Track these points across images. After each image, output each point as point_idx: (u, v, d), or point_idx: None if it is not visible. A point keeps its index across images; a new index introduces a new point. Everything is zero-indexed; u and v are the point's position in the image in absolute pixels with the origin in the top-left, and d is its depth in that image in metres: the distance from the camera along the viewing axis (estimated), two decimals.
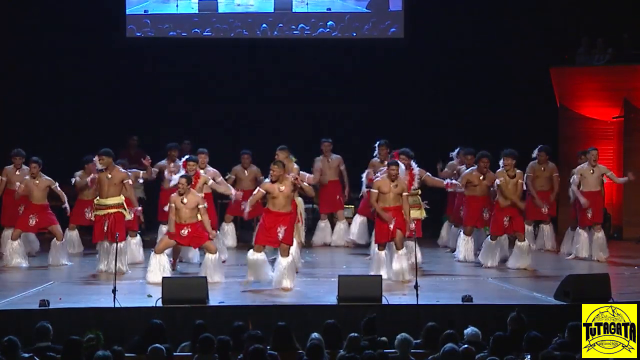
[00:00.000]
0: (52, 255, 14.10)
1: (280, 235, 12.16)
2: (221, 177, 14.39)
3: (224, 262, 13.54)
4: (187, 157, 13.78)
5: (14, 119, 18.06)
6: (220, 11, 18.49)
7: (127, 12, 18.33)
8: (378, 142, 14.92)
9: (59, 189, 14.24)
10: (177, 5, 18.42)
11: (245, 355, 8.40)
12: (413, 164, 13.60)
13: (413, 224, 12.91)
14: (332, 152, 15.97)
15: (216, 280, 12.40)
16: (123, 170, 13.54)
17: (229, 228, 15.80)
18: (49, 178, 14.19)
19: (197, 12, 18.45)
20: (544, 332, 8.86)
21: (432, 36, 18.36)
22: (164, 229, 14.62)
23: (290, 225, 12.29)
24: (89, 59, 18.09)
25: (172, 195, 12.83)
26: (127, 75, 18.28)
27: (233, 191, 14.02)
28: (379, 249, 12.93)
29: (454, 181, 14.11)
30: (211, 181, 13.88)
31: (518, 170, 13.91)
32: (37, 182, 14.09)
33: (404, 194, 12.79)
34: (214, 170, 14.40)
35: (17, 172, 14.65)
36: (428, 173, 13.92)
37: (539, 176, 15.07)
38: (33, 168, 14.07)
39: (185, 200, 12.58)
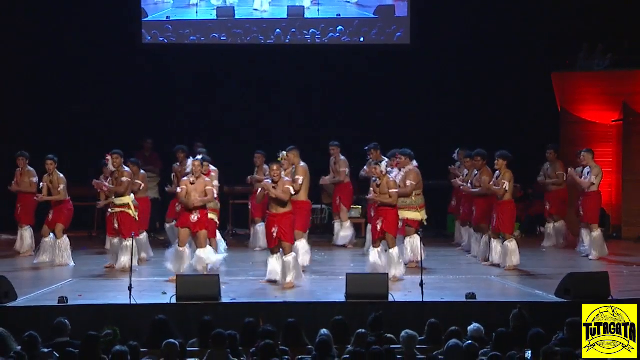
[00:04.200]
0: (41, 252, 14.14)
1: (274, 234, 12.14)
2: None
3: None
4: (202, 157, 13.59)
5: (35, 121, 18.15)
6: (237, 17, 18.64)
7: (150, 18, 18.56)
8: (367, 146, 14.91)
9: (62, 189, 14.18)
10: (196, 12, 18.60)
11: (256, 350, 8.45)
12: (414, 163, 13.56)
13: (400, 223, 13.05)
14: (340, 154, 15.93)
15: (213, 260, 12.56)
16: (128, 170, 13.58)
17: (260, 229, 15.77)
18: (62, 176, 14.25)
19: (215, 17, 18.61)
20: (545, 329, 8.85)
21: (437, 41, 18.38)
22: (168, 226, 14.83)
23: (284, 224, 12.16)
24: (113, 63, 18.20)
25: (183, 179, 12.89)
26: (146, 79, 18.35)
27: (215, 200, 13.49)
28: (374, 246, 12.84)
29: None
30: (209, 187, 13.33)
31: (507, 171, 13.78)
32: (52, 180, 14.18)
33: (391, 190, 12.68)
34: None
35: (21, 174, 14.78)
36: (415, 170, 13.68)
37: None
38: (49, 165, 14.14)
39: (192, 180, 12.62)
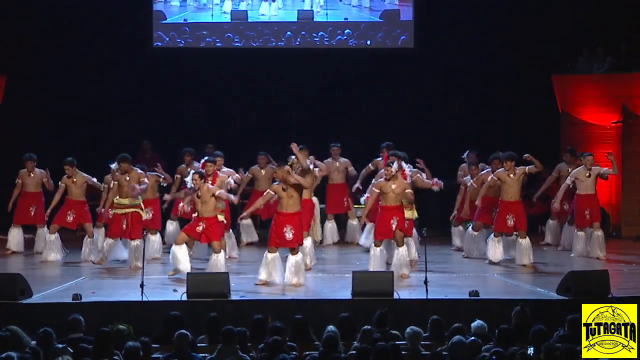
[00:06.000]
0: (84, 251, 14.15)
1: (288, 236, 12.05)
2: (230, 179, 14.00)
3: (234, 258, 13.54)
4: (205, 158, 13.59)
5: (40, 123, 18.14)
6: (249, 20, 18.72)
7: (169, 20, 18.66)
8: (382, 145, 14.87)
9: (94, 180, 14.29)
10: (212, 15, 18.73)
11: (265, 346, 8.44)
12: (404, 164, 13.39)
13: (406, 223, 13.01)
14: (340, 155, 15.93)
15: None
16: (140, 171, 13.58)
17: (248, 224, 15.76)
18: (85, 175, 14.28)
19: (229, 20, 18.74)
20: (546, 326, 8.84)
21: (440, 45, 18.36)
22: (170, 226, 14.77)
23: (297, 224, 12.18)
24: (133, 65, 18.21)
25: (188, 191, 12.81)
26: (159, 80, 18.33)
27: (234, 199, 13.28)
28: (376, 245, 12.79)
29: (438, 180, 13.63)
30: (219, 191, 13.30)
31: (518, 169, 13.84)
32: (75, 179, 14.21)
33: (407, 190, 12.69)
34: (229, 169, 14.28)
35: (31, 175, 14.73)
36: (419, 174, 13.69)
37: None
38: (68, 168, 14.16)
39: (199, 194, 12.54)
